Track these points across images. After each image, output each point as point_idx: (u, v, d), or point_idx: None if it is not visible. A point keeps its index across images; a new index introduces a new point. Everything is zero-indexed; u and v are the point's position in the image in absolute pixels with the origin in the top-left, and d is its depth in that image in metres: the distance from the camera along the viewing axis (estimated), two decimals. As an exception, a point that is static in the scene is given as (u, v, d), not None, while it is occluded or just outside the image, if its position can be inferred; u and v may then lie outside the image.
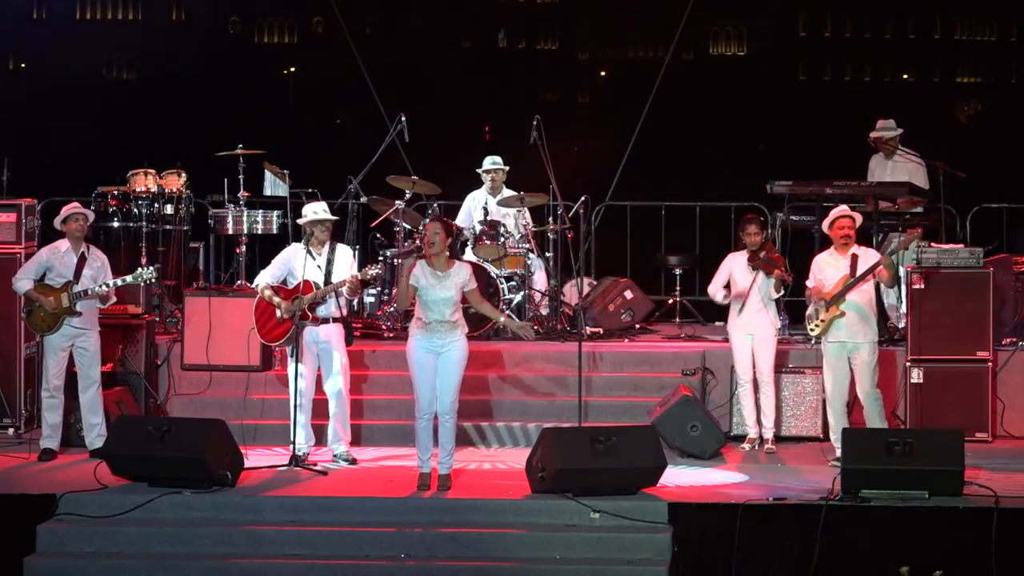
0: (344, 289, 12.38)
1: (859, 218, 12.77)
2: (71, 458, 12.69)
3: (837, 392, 12.59)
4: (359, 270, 12.51)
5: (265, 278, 12.61)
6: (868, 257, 12.58)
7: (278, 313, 12.46)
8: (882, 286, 13.17)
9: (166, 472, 11.49)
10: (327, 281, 12.46)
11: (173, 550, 11.02)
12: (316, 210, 12.61)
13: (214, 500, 11.42)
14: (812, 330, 12.66)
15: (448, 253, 11.68)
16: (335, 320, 12.56)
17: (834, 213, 12.66)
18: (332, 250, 12.61)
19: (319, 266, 12.51)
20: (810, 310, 12.67)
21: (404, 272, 11.81)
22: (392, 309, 14.88)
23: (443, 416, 11.69)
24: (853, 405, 12.78)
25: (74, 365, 12.77)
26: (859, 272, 12.46)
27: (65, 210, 12.81)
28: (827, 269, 12.63)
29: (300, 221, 12.75)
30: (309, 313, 12.41)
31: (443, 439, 11.72)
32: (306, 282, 12.45)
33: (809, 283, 12.73)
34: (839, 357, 12.56)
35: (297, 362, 12.44)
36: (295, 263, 12.57)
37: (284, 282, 12.61)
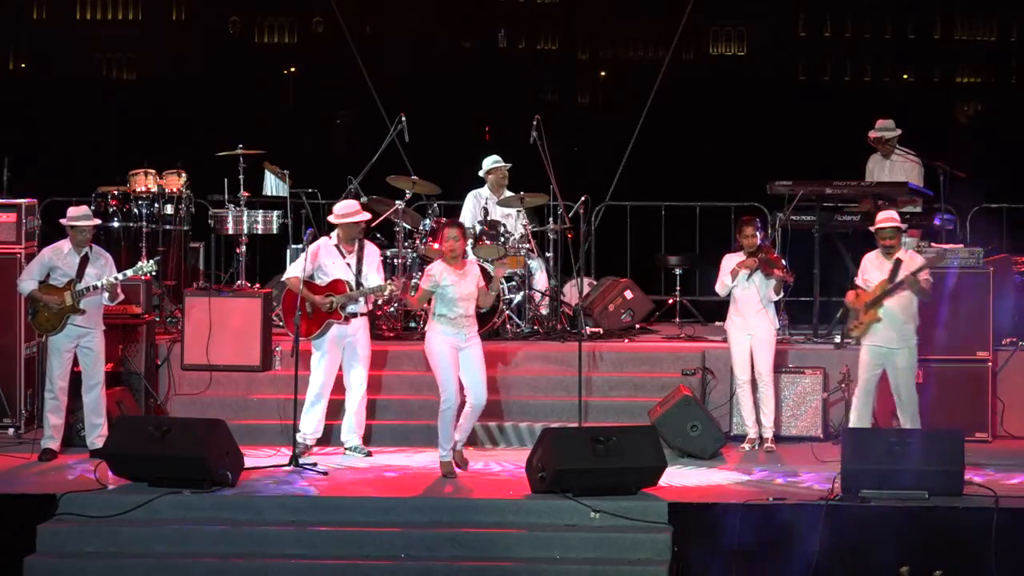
0: (385, 293, 12.71)
1: (905, 226, 12.81)
2: (71, 458, 12.68)
3: (864, 393, 12.62)
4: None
5: (297, 272, 12.70)
6: (911, 263, 12.56)
7: (308, 308, 12.53)
8: None
9: (166, 472, 11.49)
10: (357, 281, 12.57)
11: (173, 550, 11.01)
12: (345, 211, 12.69)
13: (214, 500, 11.43)
14: (851, 331, 12.73)
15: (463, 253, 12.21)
16: (361, 314, 12.75)
17: (878, 221, 12.64)
18: (361, 248, 12.72)
19: (348, 264, 12.63)
20: (851, 310, 12.72)
21: (425, 281, 12.14)
22: (392, 310, 14.91)
23: (478, 409, 12.17)
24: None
25: (77, 365, 12.77)
26: (896, 279, 12.46)
27: (73, 216, 12.74)
28: (871, 270, 12.65)
29: (331, 218, 12.81)
30: (341, 313, 12.51)
31: (467, 425, 12.22)
32: (338, 281, 12.54)
33: (857, 280, 12.77)
34: (873, 360, 12.59)
35: (297, 356, 12.50)
36: (325, 260, 12.66)
37: (311, 277, 12.68)
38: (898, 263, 12.52)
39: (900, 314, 12.50)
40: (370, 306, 13.00)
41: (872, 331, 12.51)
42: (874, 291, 12.52)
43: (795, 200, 14.38)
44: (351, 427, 12.85)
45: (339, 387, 12.91)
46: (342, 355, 12.77)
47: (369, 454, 12.81)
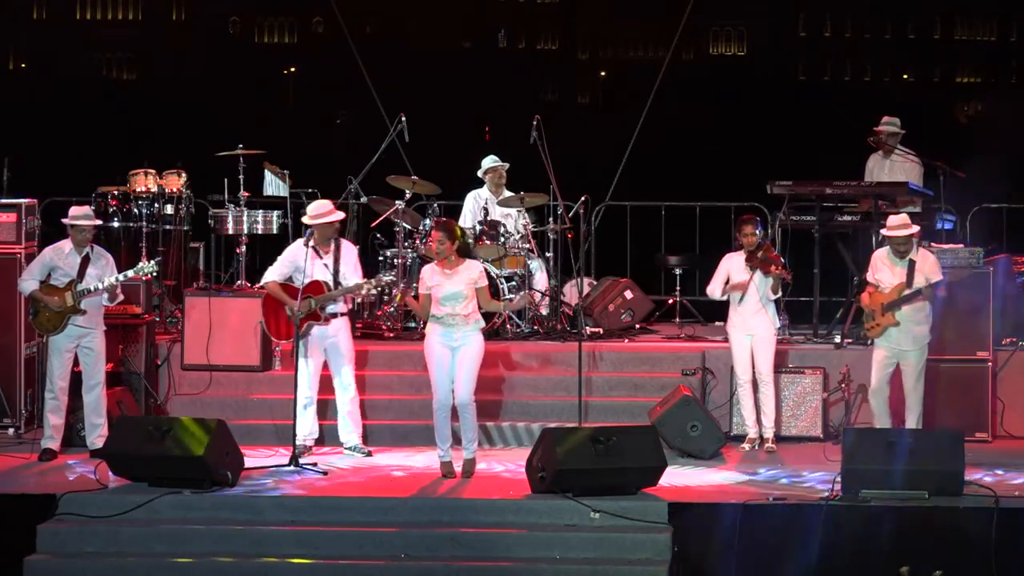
0: (363, 291, 12.63)
1: (915, 229, 12.71)
2: (71, 458, 12.69)
3: (880, 394, 12.68)
4: (369, 276, 12.75)
5: (272, 276, 12.71)
6: (925, 264, 12.56)
7: (288, 312, 12.55)
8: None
9: (166, 472, 11.50)
10: (335, 280, 12.55)
11: (173, 550, 11.02)
12: (313, 212, 12.68)
13: (214, 500, 11.43)
14: (868, 331, 12.76)
15: (456, 253, 12.01)
16: (342, 314, 12.70)
17: (891, 228, 12.59)
18: (338, 248, 12.70)
19: (326, 264, 12.60)
20: (866, 311, 12.71)
21: (420, 287, 12.10)
22: (392, 309, 14.91)
23: (461, 408, 12.04)
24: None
25: (77, 365, 12.78)
26: (913, 285, 12.47)
27: (75, 215, 12.74)
28: (882, 269, 12.68)
29: (305, 220, 12.82)
30: (321, 314, 12.51)
31: (464, 428, 12.08)
32: (316, 282, 12.53)
33: (868, 277, 12.77)
34: (887, 361, 12.66)
35: (298, 358, 12.51)
36: (302, 261, 12.65)
37: (290, 279, 12.70)
38: (912, 264, 12.53)
39: (914, 316, 12.53)
40: (350, 305, 12.99)
41: (886, 333, 12.56)
42: (891, 294, 12.54)
43: (786, 201, 14.44)
44: (348, 427, 12.86)
45: (329, 388, 12.92)
46: (325, 356, 12.77)
47: (369, 454, 12.82)
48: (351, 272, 12.72)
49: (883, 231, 12.76)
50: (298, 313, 12.45)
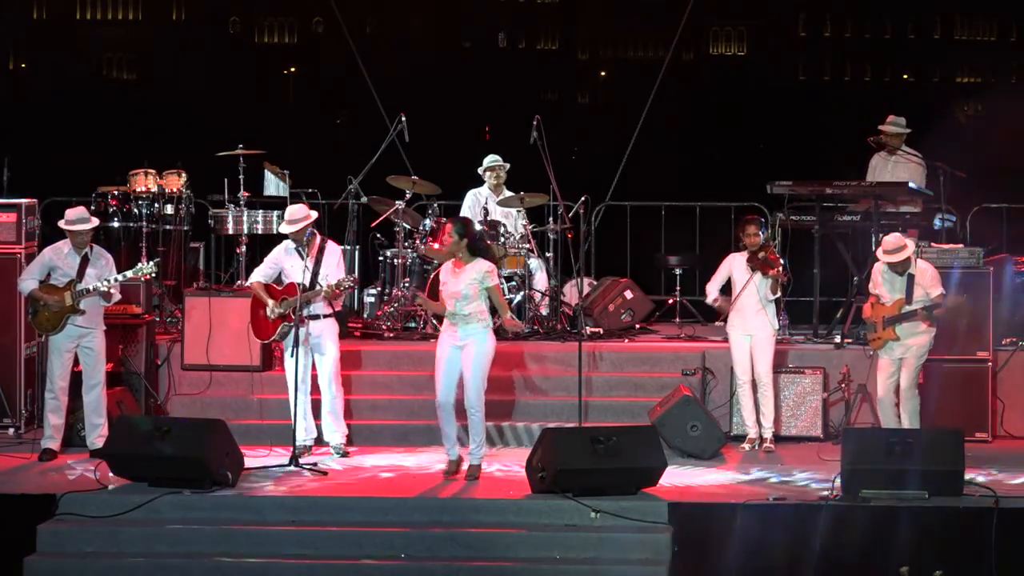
0: (320, 295, 12.60)
1: (911, 245, 12.71)
2: (71, 458, 12.69)
3: (887, 401, 12.70)
4: (348, 273, 12.79)
5: (258, 276, 12.75)
6: (924, 278, 12.57)
7: (267, 312, 12.59)
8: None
9: (166, 472, 11.50)
10: (313, 281, 12.57)
11: (173, 550, 11.02)
12: (287, 217, 12.76)
13: (214, 500, 11.43)
14: (870, 343, 12.80)
15: (465, 251, 11.99)
16: (326, 316, 12.69)
17: (888, 255, 12.56)
18: (321, 250, 12.72)
19: (306, 266, 12.61)
20: (868, 323, 12.79)
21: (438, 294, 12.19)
22: (392, 309, 14.91)
23: (468, 410, 12.02)
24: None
25: (77, 365, 12.78)
26: (913, 300, 12.50)
27: (70, 220, 12.73)
28: (882, 284, 12.68)
29: (282, 229, 12.85)
30: (293, 315, 12.49)
31: (471, 431, 12.07)
32: (293, 284, 12.58)
33: (870, 288, 12.79)
34: (890, 370, 12.69)
35: (298, 359, 12.52)
36: (285, 262, 12.71)
37: (279, 279, 12.74)
38: (911, 279, 12.55)
39: (914, 328, 12.57)
40: (338, 307, 12.96)
41: (888, 344, 12.59)
42: (891, 309, 12.56)
43: (786, 201, 14.46)
44: (331, 427, 12.88)
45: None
46: (311, 355, 12.78)
47: (346, 454, 12.83)
48: (333, 273, 12.72)
49: (879, 254, 12.72)
50: (269, 313, 12.51)
